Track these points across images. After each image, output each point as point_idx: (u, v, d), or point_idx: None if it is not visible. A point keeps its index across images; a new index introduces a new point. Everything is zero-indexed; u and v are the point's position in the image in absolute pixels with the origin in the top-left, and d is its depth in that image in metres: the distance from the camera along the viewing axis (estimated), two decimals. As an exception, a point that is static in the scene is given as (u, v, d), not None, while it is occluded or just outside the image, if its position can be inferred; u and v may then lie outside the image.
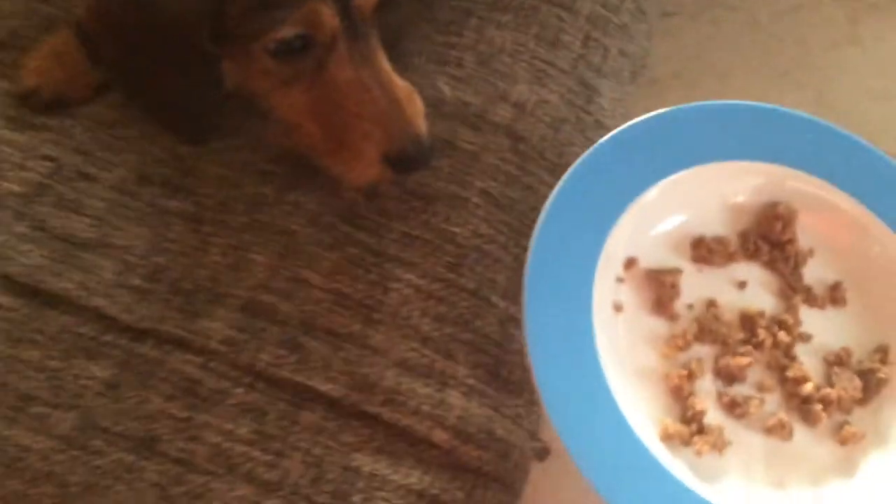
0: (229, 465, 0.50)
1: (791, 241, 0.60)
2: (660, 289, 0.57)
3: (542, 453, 0.57)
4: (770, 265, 0.59)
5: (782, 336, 0.56)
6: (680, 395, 0.54)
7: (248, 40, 0.50)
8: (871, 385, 0.56)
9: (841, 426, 0.54)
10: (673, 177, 0.58)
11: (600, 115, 0.68)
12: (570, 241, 0.54)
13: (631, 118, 0.59)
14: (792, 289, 0.59)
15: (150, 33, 0.50)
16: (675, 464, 0.51)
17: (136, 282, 0.54)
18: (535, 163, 0.63)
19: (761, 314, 0.57)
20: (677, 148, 0.59)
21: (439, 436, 0.52)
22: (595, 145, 0.58)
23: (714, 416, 0.54)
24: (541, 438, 0.57)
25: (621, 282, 0.57)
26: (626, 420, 0.50)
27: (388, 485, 0.51)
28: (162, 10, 0.49)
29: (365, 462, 0.51)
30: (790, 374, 0.55)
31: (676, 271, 0.58)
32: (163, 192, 0.57)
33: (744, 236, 0.60)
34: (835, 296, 0.59)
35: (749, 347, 0.56)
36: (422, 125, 0.55)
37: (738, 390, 0.55)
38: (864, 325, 0.58)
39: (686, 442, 0.52)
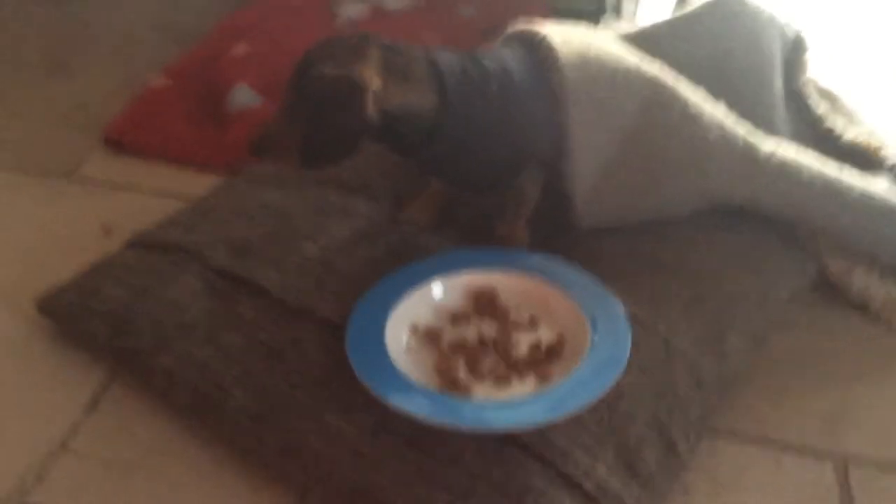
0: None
1: (496, 306, 1.14)
2: (432, 338, 1.09)
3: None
4: (492, 318, 1.13)
5: (501, 346, 1.08)
6: (448, 373, 1.04)
7: None
8: (548, 355, 1.07)
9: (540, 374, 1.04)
10: (437, 281, 1.14)
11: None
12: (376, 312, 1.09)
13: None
14: (506, 323, 1.11)
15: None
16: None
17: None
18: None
19: (488, 337, 1.09)
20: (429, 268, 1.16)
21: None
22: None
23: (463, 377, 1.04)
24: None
25: (413, 333, 1.10)
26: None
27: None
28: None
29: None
30: (511, 357, 1.06)
31: (439, 330, 1.10)
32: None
33: (477, 306, 1.14)
34: (531, 323, 1.12)
35: (483, 349, 1.07)
36: None
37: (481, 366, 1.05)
38: (546, 331, 1.11)
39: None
